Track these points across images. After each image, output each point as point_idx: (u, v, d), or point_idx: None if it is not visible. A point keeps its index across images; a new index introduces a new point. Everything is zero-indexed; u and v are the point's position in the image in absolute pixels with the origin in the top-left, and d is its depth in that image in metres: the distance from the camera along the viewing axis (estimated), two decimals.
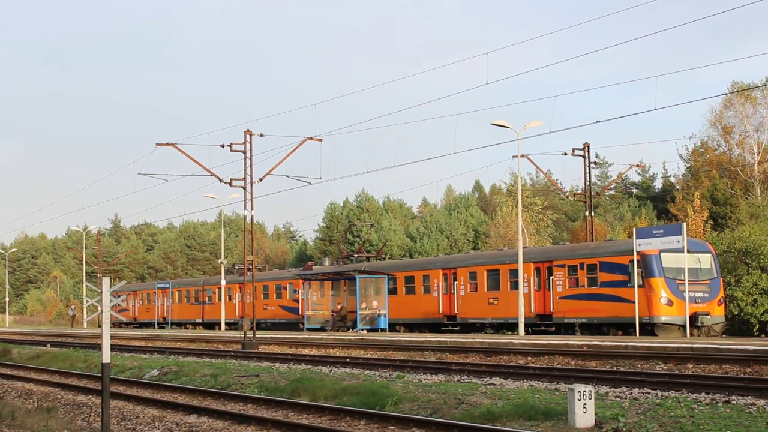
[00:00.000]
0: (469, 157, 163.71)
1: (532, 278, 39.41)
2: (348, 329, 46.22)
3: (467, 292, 42.94)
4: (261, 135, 37.85)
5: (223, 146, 37.62)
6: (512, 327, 39.18)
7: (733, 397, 14.53)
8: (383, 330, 45.27)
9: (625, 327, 35.12)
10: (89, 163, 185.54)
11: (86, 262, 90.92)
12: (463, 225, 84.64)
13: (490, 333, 40.93)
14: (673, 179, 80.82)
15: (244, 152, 37.50)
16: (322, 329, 48.24)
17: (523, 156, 41.87)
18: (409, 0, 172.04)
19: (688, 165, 71.60)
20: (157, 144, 37.88)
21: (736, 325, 38.72)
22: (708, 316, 34.05)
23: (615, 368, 21.40)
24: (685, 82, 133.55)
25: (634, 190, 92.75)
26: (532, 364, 23.46)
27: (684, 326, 33.51)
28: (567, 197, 59.73)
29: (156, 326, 70.37)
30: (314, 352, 32.45)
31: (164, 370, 23.87)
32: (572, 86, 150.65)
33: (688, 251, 33.64)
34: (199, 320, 66.00)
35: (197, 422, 15.27)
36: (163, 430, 15.12)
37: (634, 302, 34.02)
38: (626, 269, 35.23)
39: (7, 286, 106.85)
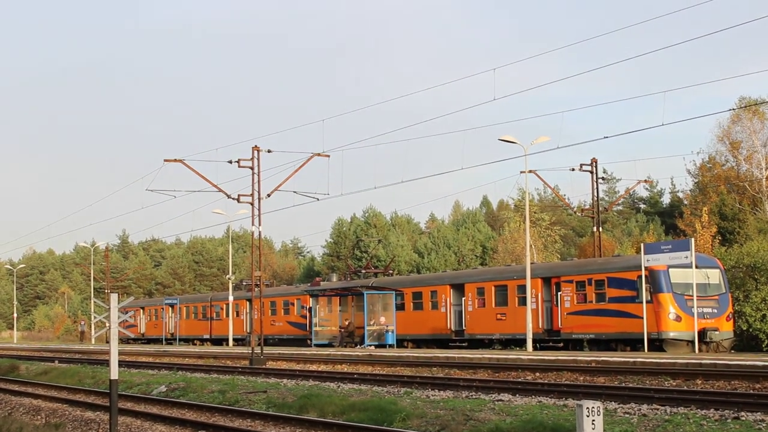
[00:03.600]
0: (476, 172, 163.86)
1: (540, 294, 39.36)
2: (356, 345, 46.16)
3: (475, 308, 42.88)
4: (269, 151, 37.88)
5: (230, 162, 37.66)
6: (520, 343, 39.11)
7: (742, 413, 14.46)
8: (391, 346, 45.20)
9: (633, 343, 35.03)
10: (97, 180, 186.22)
11: (94, 278, 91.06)
12: (471, 240, 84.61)
13: (498, 349, 40.85)
14: (681, 194, 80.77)
15: (252, 168, 37.53)
16: (329, 345, 48.18)
17: (530, 171, 41.91)
18: (417, 16, 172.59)
19: (696, 180, 71.52)
20: (165, 160, 37.93)
21: (745, 341, 38.57)
22: (716, 332, 33.95)
23: (624, 384, 21.34)
24: (693, 97, 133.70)
25: (642, 206, 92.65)
26: (540, 380, 23.38)
27: (692, 342, 33.43)
28: (575, 213, 59.69)
29: (164, 342, 70.34)
30: (322, 368, 32.41)
31: (172, 386, 23.86)
32: (580, 102, 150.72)
33: (697, 267, 33.58)
34: (206, 336, 65.96)
35: None
36: None
37: (642, 318, 33.93)
38: (634, 285, 35.17)
39: (15, 302, 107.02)
